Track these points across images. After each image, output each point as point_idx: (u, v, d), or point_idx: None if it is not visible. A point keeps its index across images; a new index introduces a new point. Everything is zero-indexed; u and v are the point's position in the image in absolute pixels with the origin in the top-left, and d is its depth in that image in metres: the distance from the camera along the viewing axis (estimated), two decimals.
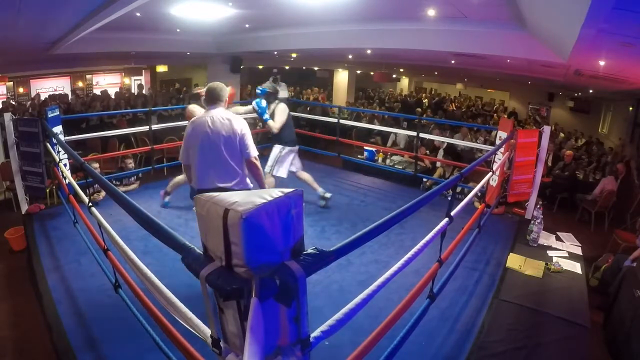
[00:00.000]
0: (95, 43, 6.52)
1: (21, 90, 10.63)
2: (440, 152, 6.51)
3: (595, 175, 6.68)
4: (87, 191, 2.85)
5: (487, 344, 2.27)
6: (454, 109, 14.02)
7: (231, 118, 2.39)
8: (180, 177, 3.91)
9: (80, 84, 11.93)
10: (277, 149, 4.05)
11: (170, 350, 1.67)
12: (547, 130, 4.09)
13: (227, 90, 2.50)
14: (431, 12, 4.57)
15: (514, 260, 3.18)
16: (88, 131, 6.43)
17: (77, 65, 10.65)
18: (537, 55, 4.59)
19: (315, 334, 1.14)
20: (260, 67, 13.94)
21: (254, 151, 2.44)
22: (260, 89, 3.93)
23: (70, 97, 10.82)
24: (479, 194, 4.06)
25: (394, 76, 16.00)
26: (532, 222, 3.59)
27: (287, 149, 4.05)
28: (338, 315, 1.26)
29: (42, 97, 10.18)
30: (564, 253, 3.42)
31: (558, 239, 3.71)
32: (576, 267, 3.17)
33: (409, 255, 1.71)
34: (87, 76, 12.06)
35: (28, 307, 2.88)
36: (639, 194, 5.60)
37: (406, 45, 5.49)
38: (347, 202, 4.56)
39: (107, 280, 2.37)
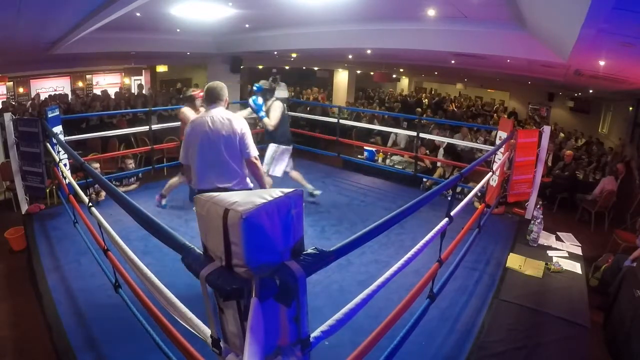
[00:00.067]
0: (95, 43, 6.52)
1: (21, 90, 10.63)
2: (440, 152, 6.51)
3: (595, 175, 6.68)
4: (88, 192, 2.85)
5: (487, 344, 2.27)
6: (454, 109, 14.02)
7: (231, 118, 2.39)
8: (175, 179, 3.90)
9: (80, 84, 11.93)
10: (272, 148, 4.06)
11: (170, 350, 1.67)
12: (547, 130, 4.09)
13: (227, 90, 2.50)
14: (431, 12, 4.57)
15: (514, 260, 3.18)
16: (88, 131, 6.43)
17: (77, 65, 10.66)
18: (537, 55, 4.59)
19: (315, 334, 1.14)
20: (260, 67, 13.94)
21: (254, 151, 2.44)
22: (257, 85, 3.94)
23: (70, 97, 10.81)
24: (479, 194, 4.06)
25: (394, 76, 16.00)
26: (532, 222, 3.59)
27: (282, 147, 4.05)
28: (338, 315, 1.26)
29: (42, 97, 10.18)
30: (564, 253, 3.42)
31: (558, 239, 3.71)
32: (576, 267, 3.18)
33: (409, 255, 1.71)
34: (87, 76, 12.06)
35: (28, 307, 2.87)
36: (639, 194, 5.60)
37: (406, 45, 5.49)
38: (347, 202, 4.56)
39: (107, 280, 2.37)
